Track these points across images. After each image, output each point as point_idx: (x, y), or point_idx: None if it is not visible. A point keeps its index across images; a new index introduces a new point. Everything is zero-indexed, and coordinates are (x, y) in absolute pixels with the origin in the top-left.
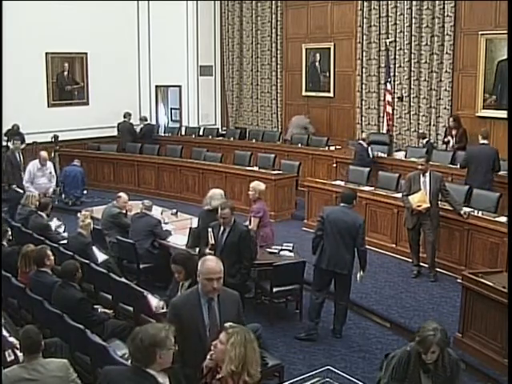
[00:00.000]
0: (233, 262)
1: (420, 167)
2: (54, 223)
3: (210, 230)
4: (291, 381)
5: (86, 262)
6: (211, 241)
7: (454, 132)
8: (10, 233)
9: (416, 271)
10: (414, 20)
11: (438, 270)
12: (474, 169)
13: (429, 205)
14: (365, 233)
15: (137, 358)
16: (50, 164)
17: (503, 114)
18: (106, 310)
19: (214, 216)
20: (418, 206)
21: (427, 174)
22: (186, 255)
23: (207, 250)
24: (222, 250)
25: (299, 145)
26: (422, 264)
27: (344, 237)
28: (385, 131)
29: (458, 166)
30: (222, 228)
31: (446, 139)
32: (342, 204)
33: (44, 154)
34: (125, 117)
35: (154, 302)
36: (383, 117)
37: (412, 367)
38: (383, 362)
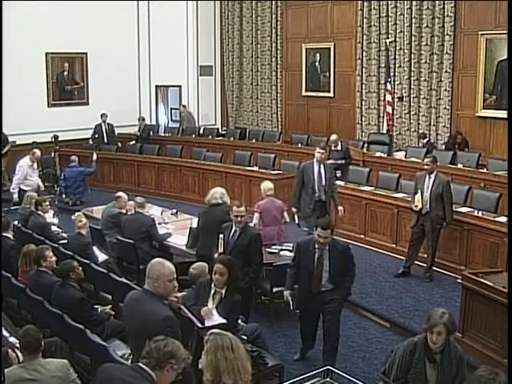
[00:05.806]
0: (241, 264)
1: (426, 167)
2: (50, 217)
3: (221, 236)
4: (291, 381)
5: (86, 261)
6: (220, 249)
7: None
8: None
9: (401, 270)
10: (414, 20)
11: (438, 270)
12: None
13: (421, 206)
14: None
15: (150, 356)
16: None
17: (503, 113)
18: (106, 310)
19: (216, 212)
20: (416, 206)
21: (433, 176)
22: (233, 260)
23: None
24: (231, 252)
25: (299, 145)
26: (418, 263)
27: None
28: (385, 131)
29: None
30: (233, 229)
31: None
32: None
33: (38, 153)
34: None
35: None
36: (383, 117)
37: (418, 356)
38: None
